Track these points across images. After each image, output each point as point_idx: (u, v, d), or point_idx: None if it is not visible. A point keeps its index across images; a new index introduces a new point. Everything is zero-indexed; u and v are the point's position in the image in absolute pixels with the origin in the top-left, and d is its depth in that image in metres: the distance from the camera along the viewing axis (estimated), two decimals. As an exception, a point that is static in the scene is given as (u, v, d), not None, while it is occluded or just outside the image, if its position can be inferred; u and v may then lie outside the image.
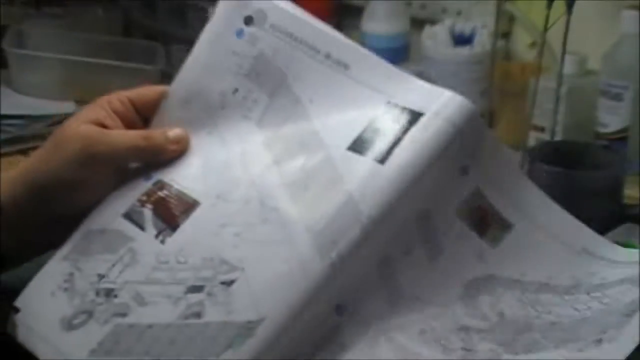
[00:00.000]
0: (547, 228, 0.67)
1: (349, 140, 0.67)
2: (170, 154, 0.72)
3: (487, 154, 0.67)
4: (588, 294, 0.63)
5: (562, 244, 0.67)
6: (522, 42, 1.33)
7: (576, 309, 0.62)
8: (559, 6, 1.02)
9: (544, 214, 0.67)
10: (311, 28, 0.71)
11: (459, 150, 0.66)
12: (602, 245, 0.68)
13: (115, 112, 0.73)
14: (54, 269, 0.70)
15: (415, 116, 0.66)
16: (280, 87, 0.71)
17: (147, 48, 1.48)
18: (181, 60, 0.75)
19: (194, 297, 0.64)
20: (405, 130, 0.66)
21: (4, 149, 1.20)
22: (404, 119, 0.66)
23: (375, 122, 0.67)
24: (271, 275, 0.63)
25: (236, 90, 0.72)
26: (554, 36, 1.08)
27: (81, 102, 1.25)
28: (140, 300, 0.66)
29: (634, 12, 1.07)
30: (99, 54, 1.42)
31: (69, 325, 0.66)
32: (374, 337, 0.62)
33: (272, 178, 0.68)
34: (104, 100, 0.73)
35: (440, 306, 0.63)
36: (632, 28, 1.07)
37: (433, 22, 1.33)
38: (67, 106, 1.33)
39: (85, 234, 0.70)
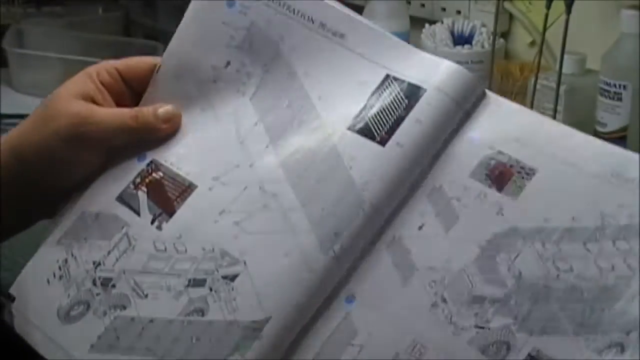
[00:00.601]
0: (572, 162, 0.62)
1: (348, 118, 0.64)
2: (161, 133, 0.69)
3: (495, 115, 0.64)
4: (614, 242, 0.58)
5: (589, 175, 0.61)
6: (521, 42, 1.33)
7: (599, 267, 0.58)
8: (558, 6, 1.03)
9: (567, 148, 0.62)
10: None
11: (463, 122, 0.64)
12: (635, 163, 0.61)
13: (104, 84, 0.71)
14: (48, 255, 0.68)
15: (416, 91, 0.63)
16: (275, 59, 0.68)
17: (147, 48, 1.48)
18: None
19: (196, 292, 0.62)
20: (407, 108, 0.63)
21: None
22: (404, 95, 0.64)
23: (374, 98, 0.64)
24: (274, 270, 0.61)
25: (228, 63, 0.69)
26: (553, 36, 1.08)
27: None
28: (140, 292, 0.64)
29: (634, 12, 1.06)
30: (99, 53, 1.42)
31: (67, 317, 0.65)
32: (385, 319, 0.60)
33: (269, 159, 0.65)
34: (92, 71, 0.71)
35: (455, 272, 0.60)
36: (632, 28, 1.06)
37: (432, 21, 1.33)
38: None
39: (79, 216, 0.68)
